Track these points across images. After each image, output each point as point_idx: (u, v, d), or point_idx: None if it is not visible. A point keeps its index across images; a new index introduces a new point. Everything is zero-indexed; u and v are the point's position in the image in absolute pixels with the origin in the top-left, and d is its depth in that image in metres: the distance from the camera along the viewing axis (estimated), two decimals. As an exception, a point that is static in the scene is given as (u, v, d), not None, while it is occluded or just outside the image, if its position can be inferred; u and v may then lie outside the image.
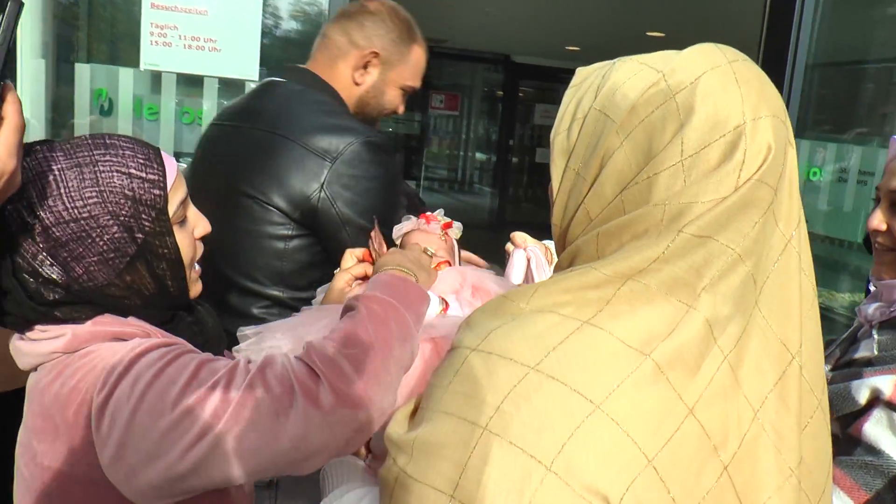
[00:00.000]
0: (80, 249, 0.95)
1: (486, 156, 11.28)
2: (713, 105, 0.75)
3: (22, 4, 0.79)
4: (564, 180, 0.85)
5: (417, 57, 1.77)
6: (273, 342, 1.20)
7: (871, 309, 1.30)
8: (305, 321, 1.25)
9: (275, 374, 0.94)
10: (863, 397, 1.19)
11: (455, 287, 1.31)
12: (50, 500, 0.96)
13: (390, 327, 1.02)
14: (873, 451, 1.15)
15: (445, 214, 1.48)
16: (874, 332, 1.28)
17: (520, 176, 11.40)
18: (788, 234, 0.76)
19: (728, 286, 0.72)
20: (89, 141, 0.99)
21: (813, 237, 2.77)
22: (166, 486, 0.90)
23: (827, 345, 1.44)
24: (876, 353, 1.25)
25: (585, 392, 0.68)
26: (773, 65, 3.63)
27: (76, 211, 0.94)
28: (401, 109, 1.81)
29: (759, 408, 0.72)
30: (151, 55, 2.85)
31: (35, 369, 1.02)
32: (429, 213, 1.45)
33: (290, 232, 1.53)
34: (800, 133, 3.75)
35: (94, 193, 0.95)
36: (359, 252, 1.34)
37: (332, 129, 1.54)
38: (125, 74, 2.97)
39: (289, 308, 1.53)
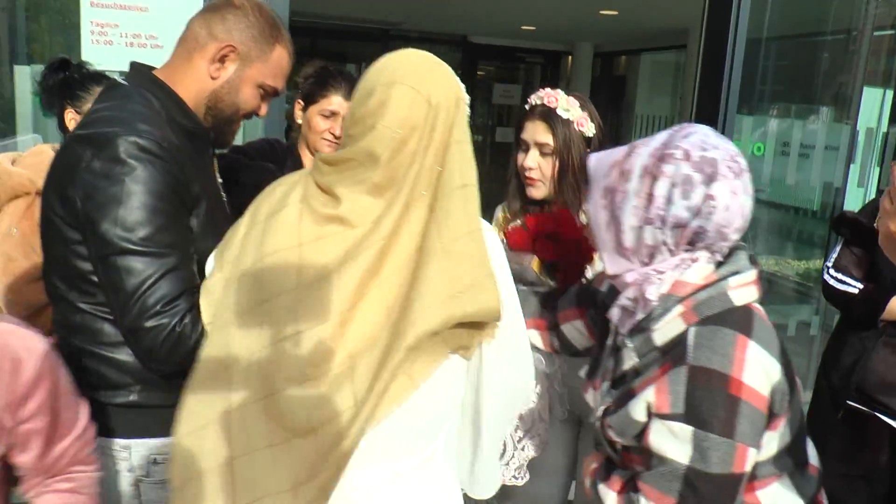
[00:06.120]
0: None
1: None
2: (371, 77, 1.28)
3: None
4: None
5: (279, 56, 1.65)
6: None
7: (616, 318, 1.34)
8: None
9: None
10: (642, 414, 1.28)
11: None
12: None
13: None
14: (662, 460, 1.24)
15: None
16: (627, 340, 1.34)
17: (482, 155, 11.47)
18: (428, 159, 1.25)
19: (355, 177, 1.24)
20: None
21: (762, 204, 2.86)
22: None
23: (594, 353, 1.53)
24: (637, 359, 1.32)
25: None
26: (714, 41, 3.68)
27: None
28: (262, 111, 1.70)
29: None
30: (93, 54, 2.83)
31: None
32: None
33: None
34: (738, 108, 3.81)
35: None
36: None
37: (101, 121, 1.46)
38: (67, 74, 2.93)
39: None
